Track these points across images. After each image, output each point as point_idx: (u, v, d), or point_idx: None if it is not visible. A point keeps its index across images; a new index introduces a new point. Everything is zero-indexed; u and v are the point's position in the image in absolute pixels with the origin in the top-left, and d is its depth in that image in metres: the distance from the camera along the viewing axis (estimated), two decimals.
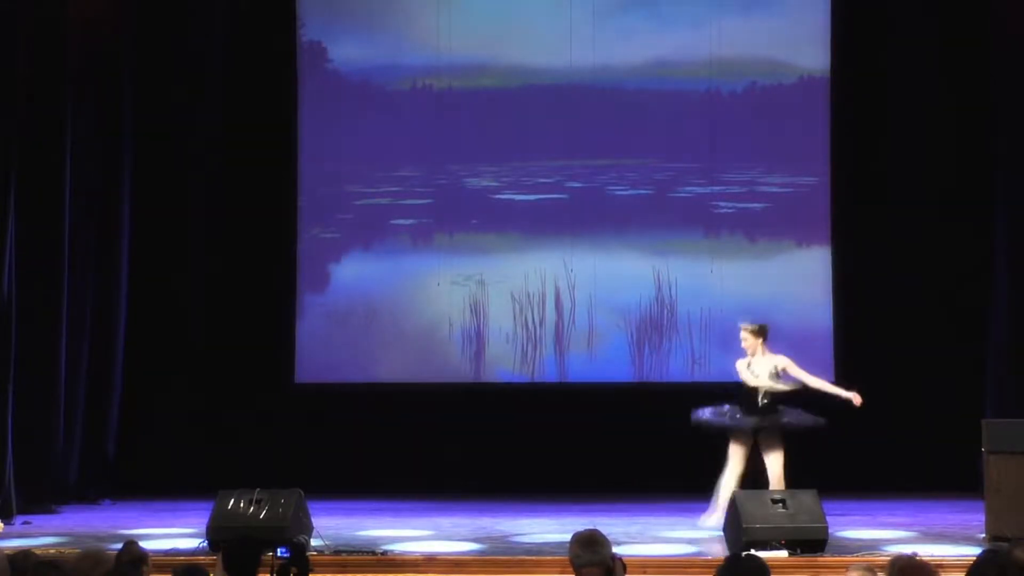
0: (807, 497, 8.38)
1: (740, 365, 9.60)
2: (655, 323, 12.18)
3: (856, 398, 9.48)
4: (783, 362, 9.56)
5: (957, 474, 10.87)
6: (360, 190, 12.43)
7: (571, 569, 4.92)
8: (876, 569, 5.20)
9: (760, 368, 9.51)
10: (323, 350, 12.32)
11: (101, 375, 11.52)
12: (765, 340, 9.59)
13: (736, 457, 9.47)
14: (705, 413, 9.56)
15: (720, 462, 11.32)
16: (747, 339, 9.61)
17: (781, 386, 9.45)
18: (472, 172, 12.41)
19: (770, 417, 9.42)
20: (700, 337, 12.13)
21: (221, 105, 12.32)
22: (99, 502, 11.16)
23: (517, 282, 12.24)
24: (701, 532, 9.23)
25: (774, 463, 9.42)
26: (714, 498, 9.45)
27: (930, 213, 11.99)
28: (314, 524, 8.58)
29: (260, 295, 12.25)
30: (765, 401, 9.44)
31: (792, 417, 9.47)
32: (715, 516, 9.30)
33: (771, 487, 9.25)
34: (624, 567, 5.08)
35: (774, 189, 12.28)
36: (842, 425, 11.72)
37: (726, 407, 9.51)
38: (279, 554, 7.10)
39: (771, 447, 9.46)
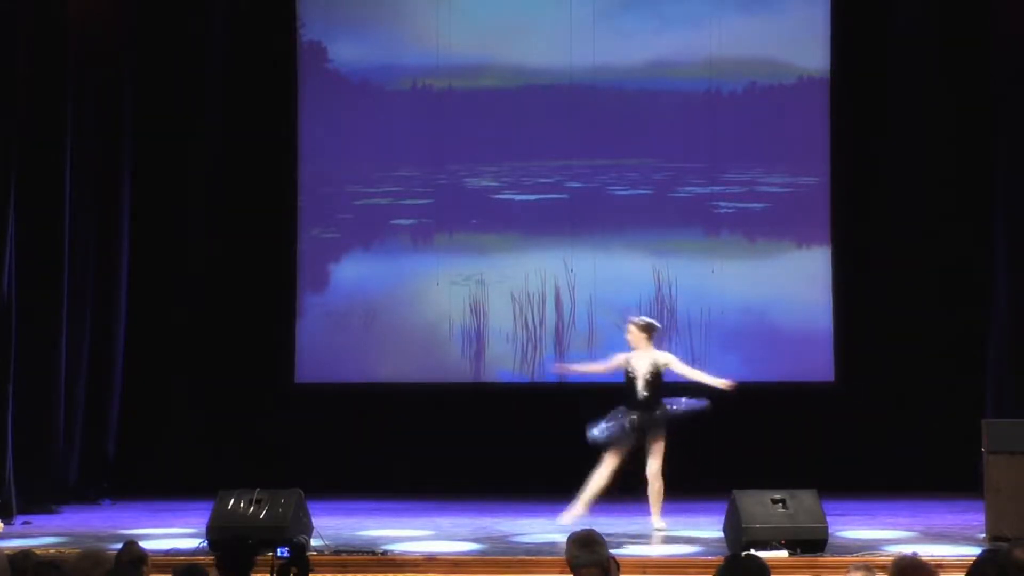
0: (807, 497, 8.38)
1: (620, 358, 9.62)
2: None
3: (725, 384, 9.49)
4: (665, 358, 9.57)
5: (957, 474, 10.87)
6: (360, 190, 12.44)
7: (569, 569, 4.92)
8: (876, 569, 5.20)
9: (640, 363, 9.49)
10: (323, 350, 12.32)
11: (101, 375, 11.53)
12: (650, 338, 9.59)
13: (614, 455, 9.47)
14: (602, 430, 9.51)
15: (721, 462, 11.37)
16: (632, 333, 9.61)
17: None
18: (472, 172, 12.41)
19: (653, 412, 9.41)
20: (700, 337, 12.13)
21: (221, 105, 12.31)
22: (99, 502, 11.16)
23: (517, 282, 12.24)
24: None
25: (655, 456, 9.42)
26: (580, 493, 9.48)
27: (930, 213, 11.99)
28: (314, 524, 8.58)
29: (260, 295, 12.25)
30: (645, 394, 9.44)
31: (675, 407, 9.48)
32: (576, 510, 9.38)
33: (650, 480, 9.37)
34: (618, 566, 5.08)
35: (774, 189, 12.28)
36: (842, 425, 11.83)
37: (618, 414, 9.50)
38: (279, 554, 7.10)
39: (655, 440, 9.43)
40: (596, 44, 12.22)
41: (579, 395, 12.04)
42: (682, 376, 9.64)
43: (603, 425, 9.50)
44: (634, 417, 9.42)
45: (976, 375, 11.60)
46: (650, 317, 10.04)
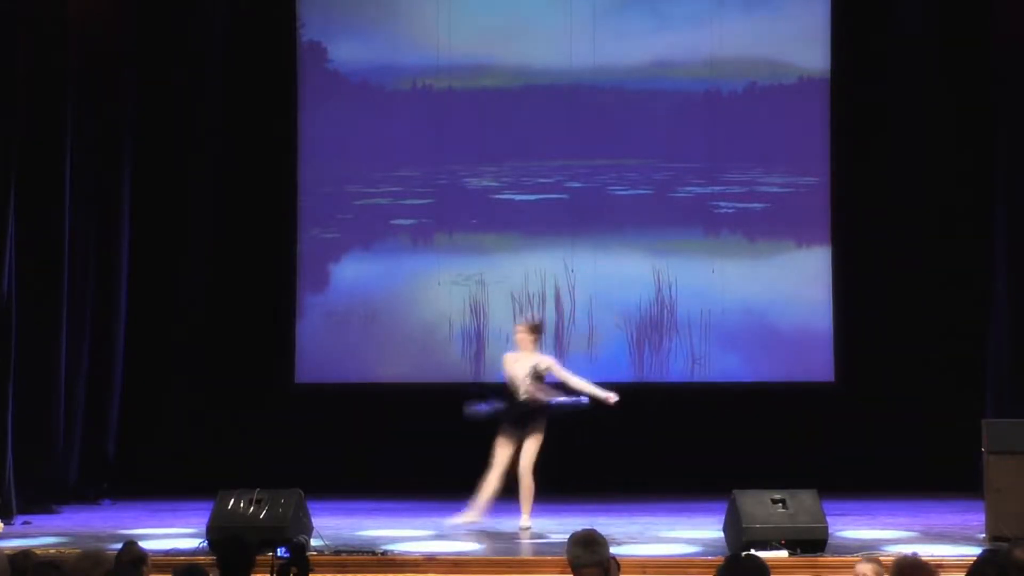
0: (807, 497, 8.38)
1: (507, 358, 9.72)
2: (655, 323, 12.19)
3: (612, 397, 9.48)
4: (547, 362, 9.63)
5: (957, 474, 10.87)
6: (360, 190, 12.44)
7: (570, 569, 4.92)
8: (883, 562, 5.22)
9: (523, 365, 9.55)
10: (323, 350, 12.32)
11: (101, 375, 11.52)
12: (537, 339, 9.69)
13: (502, 454, 9.53)
14: (480, 407, 9.61)
15: (721, 462, 11.37)
16: (521, 335, 9.71)
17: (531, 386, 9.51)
18: (472, 172, 12.41)
19: (531, 409, 9.48)
20: (700, 337, 12.13)
21: (221, 105, 12.32)
22: (99, 502, 11.16)
23: (517, 282, 12.24)
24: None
25: (528, 452, 9.46)
26: (475, 496, 9.57)
27: (930, 213, 11.99)
28: (314, 524, 8.59)
29: (260, 295, 12.25)
30: (525, 396, 9.48)
31: (554, 402, 9.51)
32: (470, 515, 9.48)
33: (520, 476, 9.41)
34: (618, 566, 5.08)
35: (774, 189, 12.29)
36: (842, 425, 11.83)
37: (495, 403, 9.60)
38: (279, 554, 7.11)
39: (531, 436, 9.47)
40: (596, 44, 12.22)
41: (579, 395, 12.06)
42: (565, 382, 9.63)
43: (480, 405, 9.58)
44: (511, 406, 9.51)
45: (976, 375, 11.60)
46: (537, 318, 10.06)
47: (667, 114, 12.32)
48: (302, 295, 12.38)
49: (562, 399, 9.52)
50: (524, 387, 9.46)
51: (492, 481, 9.50)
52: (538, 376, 9.53)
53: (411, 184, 12.41)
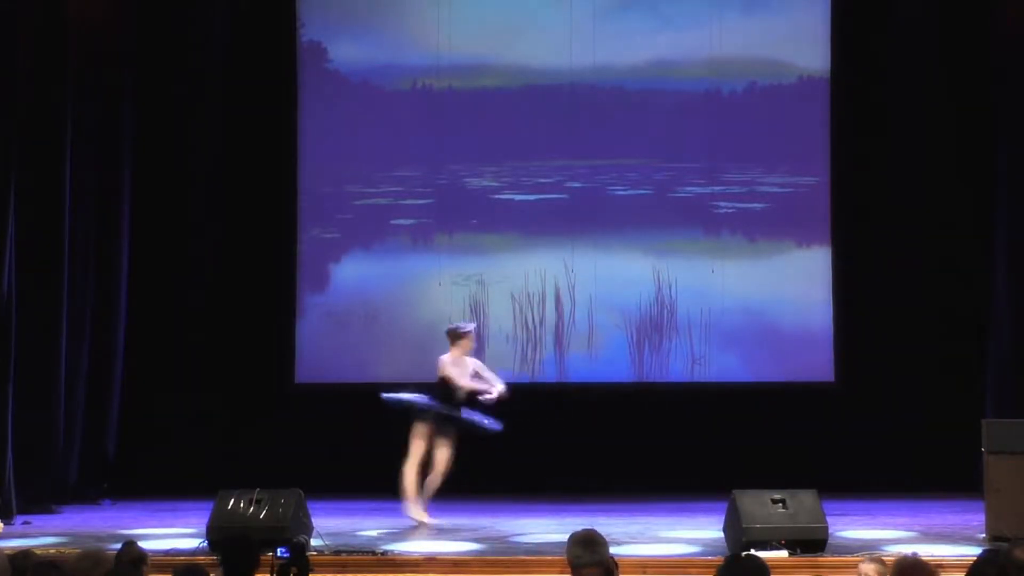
0: (807, 497, 8.38)
1: (445, 359, 9.96)
2: (655, 323, 12.19)
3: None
4: (476, 364, 10.01)
5: (957, 474, 10.87)
6: (360, 190, 12.44)
7: (570, 569, 4.92)
8: (887, 562, 5.22)
9: (464, 367, 9.89)
10: (323, 350, 12.32)
11: (101, 375, 11.52)
12: (452, 343, 9.96)
13: (418, 442, 9.82)
14: (404, 397, 9.92)
15: (722, 462, 11.38)
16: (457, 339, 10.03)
17: (474, 385, 9.90)
18: (472, 172, 12.41)
19: (457, 412, 9.81)
20: (700, 337, 12.13)
21: (221, 105, 12.32)
22: (99, 502, 11.16)
23: (517, 282, 12.24)
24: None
25: (443, 454, 9.81)
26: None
27: (930, 213, 11.99)
28: (314, 524, 8.59)
29: (260, 295, 12.25)
30: (460, 398, 9.83)
31: (471, 417, 9.86)
32: (414, 508, 9.76)
33: (435, 475, 9.80)
34: (617, 566, 5.07)
35: (774, 189, 12.29)
36: (842, 425, 11.84)
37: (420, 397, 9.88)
38: (279, 554, 7.10)
39: (448, 439, 9.80)
40: (596, 44, 12.22)
41: (580, 395, 12.09)
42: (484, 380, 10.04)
43: (405, 396, 9.87)
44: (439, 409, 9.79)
45: (976, 375, 11.60)
46: (464, 323, 10.42)
47: (667, 114, 12.31)
48: (302, 295, 12.38)
49: (478, 420, 9.86)
50: (464, 389, 9.83)
51: (412, 469, 9.81)
52: (475, 376, 9.94)
53: (411, 184, 12.41)
